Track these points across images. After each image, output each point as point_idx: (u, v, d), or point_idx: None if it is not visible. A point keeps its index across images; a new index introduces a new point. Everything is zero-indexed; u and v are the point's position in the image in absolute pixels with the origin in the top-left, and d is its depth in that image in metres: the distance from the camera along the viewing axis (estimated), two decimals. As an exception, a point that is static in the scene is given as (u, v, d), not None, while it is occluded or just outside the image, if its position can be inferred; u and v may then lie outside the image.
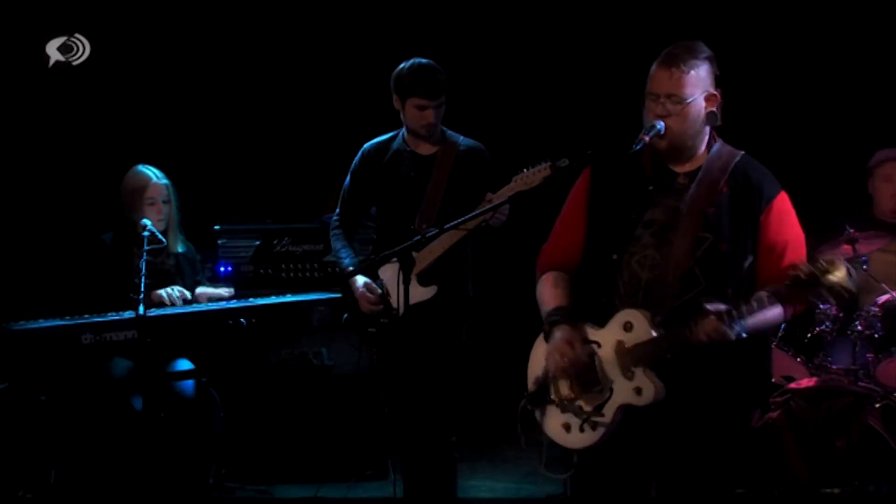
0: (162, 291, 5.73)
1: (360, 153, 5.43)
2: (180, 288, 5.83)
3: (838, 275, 3.40)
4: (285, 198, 7.60)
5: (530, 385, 3.89)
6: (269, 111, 7.81)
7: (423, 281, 5.15)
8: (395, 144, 5.35)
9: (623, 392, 3.65)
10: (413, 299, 4.96)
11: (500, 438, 6.77)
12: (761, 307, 3.53)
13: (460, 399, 5.30)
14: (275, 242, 6.80)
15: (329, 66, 7.78)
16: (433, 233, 4.66)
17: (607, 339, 3.70)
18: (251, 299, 5.94)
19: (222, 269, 6.70)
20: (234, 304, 5.85)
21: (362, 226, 5.51)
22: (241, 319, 5.78)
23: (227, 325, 5.76)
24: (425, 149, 5.30)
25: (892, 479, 5.30)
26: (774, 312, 3.62)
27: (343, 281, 5.35)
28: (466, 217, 4.60)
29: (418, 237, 4.69)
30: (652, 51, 3.86)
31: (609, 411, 3.67)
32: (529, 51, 7.59)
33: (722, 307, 3.49)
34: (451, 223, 4.53)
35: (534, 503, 6.00)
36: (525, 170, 4.86)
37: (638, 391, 3.62)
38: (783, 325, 5.63)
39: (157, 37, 7.52)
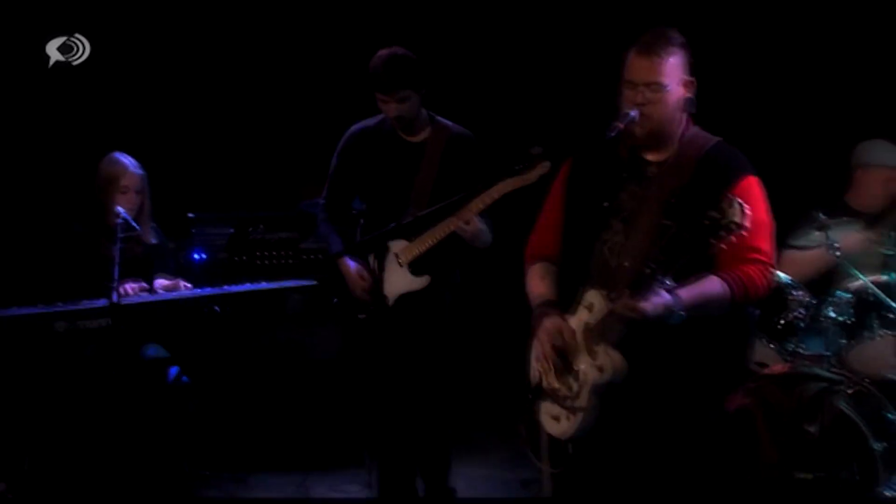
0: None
1: (347, 134, 5.44)
2: (139, 283, 5.83)
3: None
4: (259, 186, 7.65)
5: (531, 381, 3.95)
6: (243, 100, 7.83)
7: (416, 270, 5.21)
8: (384, 128, 5.37)
9: (590, 372, 3.71)
10: (405, 288, 5.19)
11: (494, 430, 6.75)
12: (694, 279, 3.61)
13: (457, 390, 5.39)
14: (249, 230, 6.82)
15: (303, 55, 7.80)
16: (410, 220, 4.74)
17: (577, 324, 3.77)
18: (225, 287, 5.94)
19: (196, 256, 6.75)
20: (208, 291, 5.85)
21: (351, 212, 5.51)
22: (216, 307, 5.78)
23: (202, 313, 5.77)
24: (413, 136, 5.34)
25: (864, 464, 5.29)
26: (711, 285, 3.66)
27: (332, 264, 5.37)
28: (449, 201, 4.67)
29: (393, 224, 4.75)
30: (626, 37, 3.89)
31: (584, 394, 3.72)
32: (514, 43, 7.62)
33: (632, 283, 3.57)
34: (428, 210, 4.60)
35: (533, 501, 6.00)
36: (518, 168, 4.93)
37: (600, 368, 3.68)
38: (756, 313, 5.64)
39: (135, 29, 7.51)
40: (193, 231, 6.87)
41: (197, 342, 5.91)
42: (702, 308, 3.67)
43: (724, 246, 3.48)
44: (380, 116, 5.39)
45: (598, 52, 6.23)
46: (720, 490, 3.99)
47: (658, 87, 3.76)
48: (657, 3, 6.99)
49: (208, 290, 5.86)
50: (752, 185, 3.79)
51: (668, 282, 3.57)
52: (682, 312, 3.61)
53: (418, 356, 5.33)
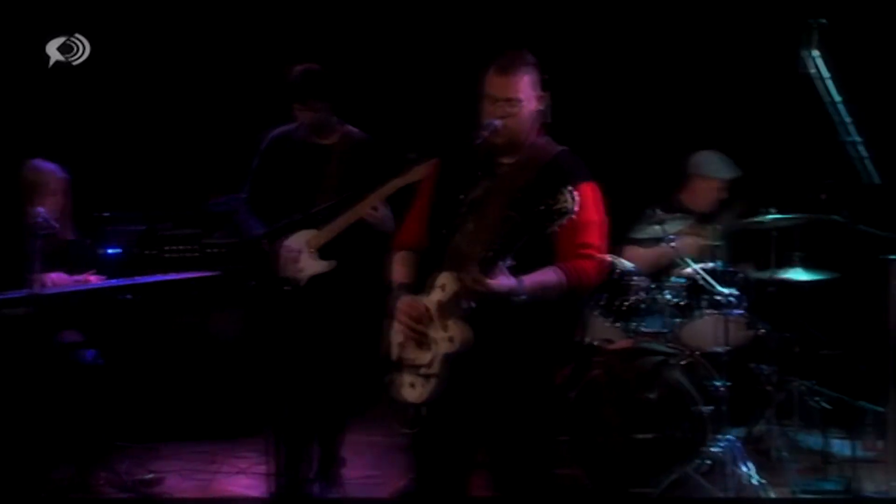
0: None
1: (269, 137, 5.79)
2: (60, 275, 5.98)
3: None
4: (167, 188, 7.74)
5: (389, 356, 4.20)
6: (155, 112, 7.92)
7: (324, 255, 5.59)
8: (299, 133, 5.74)
9: (442, 343, 4.00)
10: (314, 271, 5.55)
11: (377, 399, 6.57)
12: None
13: (361, 366, 5.59)
14: (158, 227, 7.06)
15: (209, 63, 7.91)
16: (299, 218, 5.22)
17: (432, 301, 4.06)
18: (137, 277, 6.13)
19: (111, 251, 6.92)
20: (122, 282, 6.02)
21: (271, 208, 5.70)
22: (129, 295, 6.02)
23: (116, 301, 6.00)
24: (324, 140, 5.73)
25: (693, 424, 5.76)
26: (550, 275, 3.99)
27: (252, 249, 5.64)
28: (348, 195, 5.14)
29: (286, 220, 5.26)
30: (484, 58, 4.23)
31: (436, 363, 4.02)
32: (399, 64, 7.88)
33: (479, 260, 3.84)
34: (331, 203, 5.10)
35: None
36: (398, 170, 5.33)
37: (451, 339, 3.97)
38: (604, 296, 6.17)
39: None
40: (109, 228, 7.02)
41: (112, 328, 6.07)
42: (541, 293, 3.97)
43: (557, 229, 3.77)
44: (295, 123, 5.76)
45: (462, 71, 6.76)
46: (551, 442, 4.34)
47: (514, 101, 4.07)
48: (510, 29, 7.37)
49: (122, 281, 6.06)
50: (589, 190, 4.07)
51: (509, 262, 3.83)
52: (523, 296, 3.92)
53: (325, 332, 5.65)
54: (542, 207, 3.77)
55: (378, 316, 4.28)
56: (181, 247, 7.07)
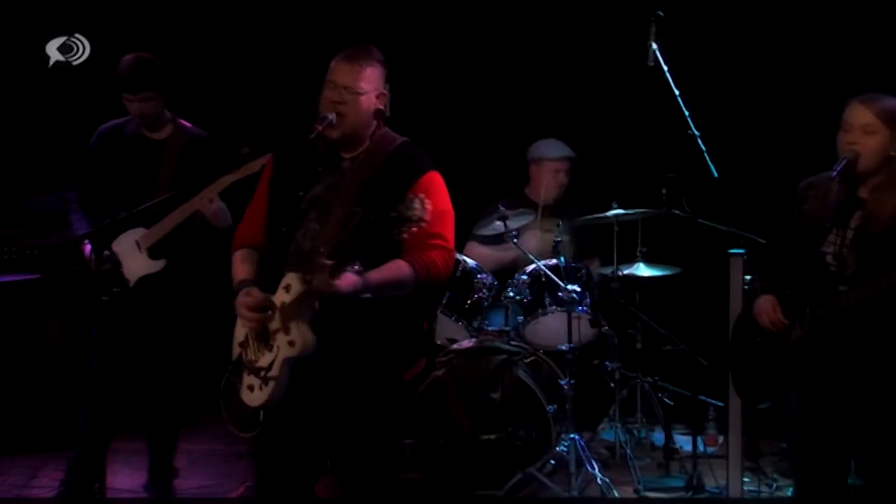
0: None
1: (96, 134, 5.67)
2: None
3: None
4: None
5: (233, 356, 4.09)
6: None
7: (154, 254, 5.47)
8: (130, 128, 5.61)
9: (283, 347, 3.89)
10: (143, 271, 5.43)
11: (212, 406, 6.65)
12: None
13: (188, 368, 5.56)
14: None
15: (30, 59, 7.59)
16: (123, 216, 4.98)
17: (276, 302, 3.94)
18: None
19: None
20: None
21: (102, 206, 5.58)
22: None
23: None
24: (156, 134, 5.61)
25: (538, 424, 5.78)
26: (398, 269, 3.93)
27: (77, 250, 5.53)
28: (180, 191, 4.98)
29: (109, 220, 5.04)
30: (321, 52, 4.22)
31: (276, 367, 3.90)
32: (235, 58, 7.82)
33: (329, 262, 3.73)
34: (161, 199, 4.89)
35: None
36: (231, 166, 5.08)
37: (291, 343, 3.87)
38: (447, 294, 6.13)
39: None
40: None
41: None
42: (389, 289, 3.91)
43: (406, 236, 3.75)
44: (127, 117, 5.64)
45: (302, 66, 6.64)
46: (397, 444, 4.30)
47: (355, 91, 4.00)
48: (350, 21, 7.37)
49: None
50: (434, 179, 4.05)
51: (357, 266, 3.77)
52: (368, 294, 3.84)
53: (157, 335, 5.55)
54: (394, 214, 3.69)
55: (211, 317, 4.14)
56: (-1, 248, 6.82)
